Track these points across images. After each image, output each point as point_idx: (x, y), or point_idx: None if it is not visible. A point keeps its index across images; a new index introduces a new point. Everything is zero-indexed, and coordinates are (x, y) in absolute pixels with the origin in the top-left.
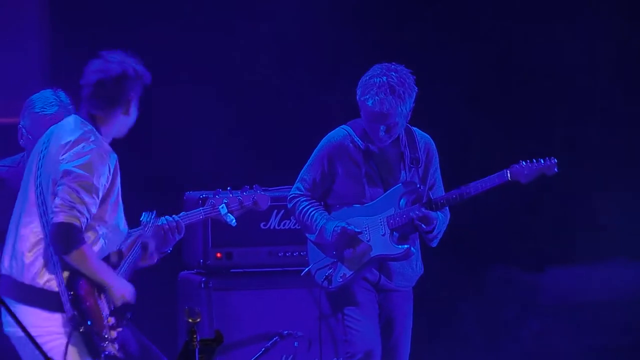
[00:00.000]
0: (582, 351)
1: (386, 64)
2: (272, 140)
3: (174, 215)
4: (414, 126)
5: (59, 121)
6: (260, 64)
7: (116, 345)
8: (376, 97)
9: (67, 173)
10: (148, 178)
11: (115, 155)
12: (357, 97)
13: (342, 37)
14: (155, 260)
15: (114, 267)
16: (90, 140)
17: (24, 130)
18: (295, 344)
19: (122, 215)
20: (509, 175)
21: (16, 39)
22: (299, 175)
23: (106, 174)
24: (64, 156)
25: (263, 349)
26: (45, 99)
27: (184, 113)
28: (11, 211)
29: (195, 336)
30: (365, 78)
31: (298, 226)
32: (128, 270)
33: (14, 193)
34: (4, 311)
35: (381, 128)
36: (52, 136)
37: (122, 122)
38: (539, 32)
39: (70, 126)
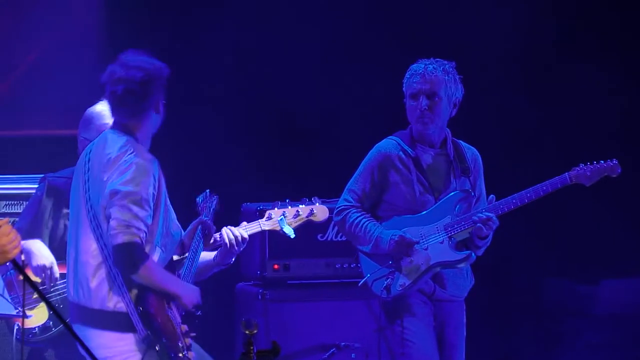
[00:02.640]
0: None
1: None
2: (326, 153)
3: (237, 227)
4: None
5: None
6: (301, 75)
7: (193, 353)
8: (422, 66)
9: (114, 193)
10: (204, 189)
11: (157, 161)
12: (404, 90)
13: (374, 45)
14: (222, 248)
15: (180, 259)
16: (130, 152)
17: (88, 142)
18: (353, 355)
19: (174, 218)
20: (569, 178)
21: (74, 51)
22: (347, 187)
23: (152, 183)
24: (107, 176)
25: None
26: (105, 110)
27: (242, 124)
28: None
29: (252, 347)
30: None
31: (346, 238)
32: (195, 259)
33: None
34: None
35: (424, 102)
36: (93, 155)
37: (155, 121)
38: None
39: (107, 142)
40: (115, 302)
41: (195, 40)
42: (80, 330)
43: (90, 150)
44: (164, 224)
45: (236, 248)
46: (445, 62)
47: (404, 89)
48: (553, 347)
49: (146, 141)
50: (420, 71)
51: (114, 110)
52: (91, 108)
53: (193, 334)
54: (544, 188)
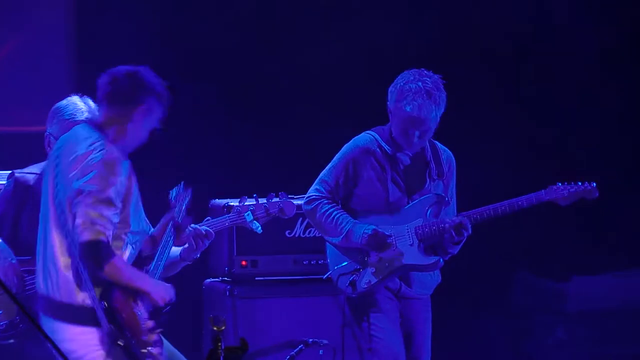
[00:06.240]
0: None
1: (416, 70)
2: (296, 149)
3: (201, 225)
4: (437, 138)
5: None
6: (285, 72)
7: (158, 348)
8: (414, 102)
9: (79, 192)
10: (171, 185)
11: (127, 161)
12: (392, 104)
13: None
14: (191, 242)
15: (150, 254)
16: (98, 150)
17: (52, 137)
18: (320, 352)
19: (144, 217)
20: (545, 195)
21: (40, 47)
22: (319, 177)
23: (119, 181)
24: (73, 173)
25: (288, 357)
26: (74, 105)
27: (209, 120)
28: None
29: (220, 344)
30: (400, 84)
31: (315, 228)
32: (164, 255)
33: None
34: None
35: (415, 134)
36: (62, 150)
37: (136, 129)
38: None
39: (77, 138)
40: (83, 297)
41: (164, 35)
42: (47, 322)
43: (61, 146)
44: (134, 222)
45: (201, 244)
46: (430, 85)
47: (392, 106)
48: (522, 343)
49: (125, 148)
50: (410, 109)
51: (101, 100)
52: (58, 103)
53: (159, 330)
54: (519, 203)
